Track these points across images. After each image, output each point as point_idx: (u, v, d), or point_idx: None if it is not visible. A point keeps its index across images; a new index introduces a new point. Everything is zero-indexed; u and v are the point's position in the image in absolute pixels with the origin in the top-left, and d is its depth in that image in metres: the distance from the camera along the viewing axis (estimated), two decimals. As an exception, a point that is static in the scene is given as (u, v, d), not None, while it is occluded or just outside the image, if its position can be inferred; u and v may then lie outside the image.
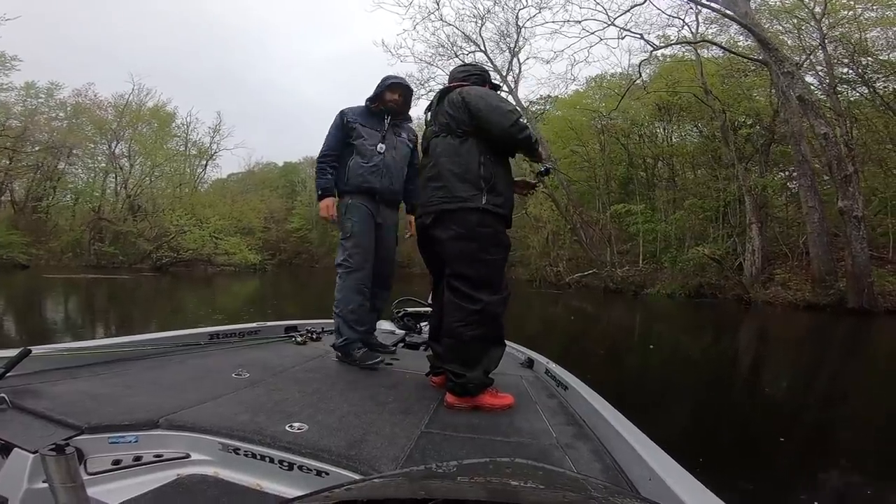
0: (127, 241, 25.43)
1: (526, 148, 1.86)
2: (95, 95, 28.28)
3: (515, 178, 2.01)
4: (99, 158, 28.61)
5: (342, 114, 2.44)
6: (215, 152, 33.82)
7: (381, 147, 2.40)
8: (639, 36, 15.12)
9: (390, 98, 2.45)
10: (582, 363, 4.82)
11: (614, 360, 6.15)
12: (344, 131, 2.41)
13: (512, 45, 20.53)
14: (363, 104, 2.48)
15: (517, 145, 1.85)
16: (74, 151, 27.01)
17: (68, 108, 27.22)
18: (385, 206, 2.48)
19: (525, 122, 1.82)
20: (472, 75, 2.03)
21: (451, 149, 1.83)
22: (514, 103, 2.00)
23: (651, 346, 7.85)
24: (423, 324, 3.48)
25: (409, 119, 2.62)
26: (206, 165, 33.87)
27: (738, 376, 5.60)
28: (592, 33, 16.20)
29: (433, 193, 1.83)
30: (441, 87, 2.21)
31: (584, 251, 20.36)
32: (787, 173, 18.22)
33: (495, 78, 20.81)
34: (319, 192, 2.40)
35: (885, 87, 14.61)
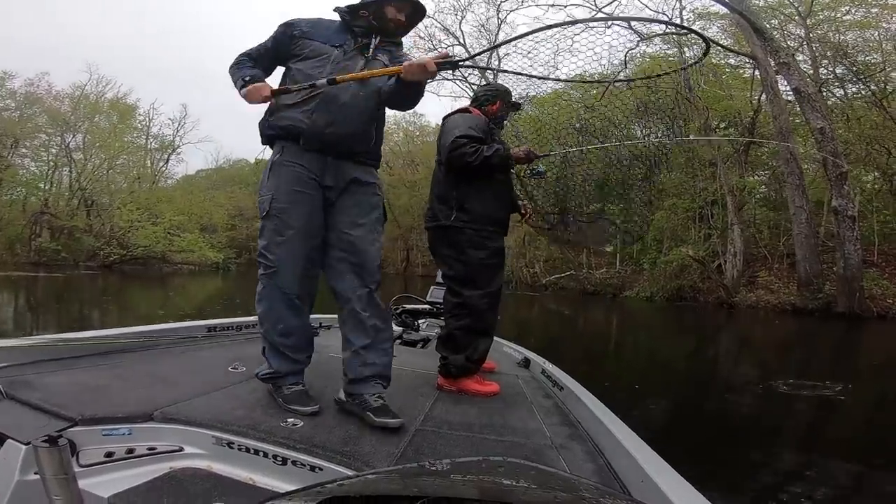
0: (72, 237, 23.86)
1: (478, 172, 1.96)
2: (50, 85, 26.24)
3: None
4: (53, 151, 26.64)
5: (289, 25, 1.61)
6: (178, 146, 31.84)
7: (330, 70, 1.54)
8: (626, 24, 14.54)
9: (392, 17, 1.61)
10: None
11: (593, 367, 5.55)
12: (283, 47, 1.60)
13: (492, 39, 19.83)
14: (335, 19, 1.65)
15: (464, 171, 1.96)
16: (23, 142, 25.02)
17: (19, 97, 25.06)
18: (339, 161, 1.56)
19: (472, 149, 1.89)
20: (481, 96, 2.20)
21: (436, 173, 2.12)
22: (472, 128, 1.92)
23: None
24: (420, 321, 3.45)
25: (400, 45, 1.74)
26: (167, 160, 31.88)
27: (734, 389, 4.95)
28: (577, 22, 15.52)
29: (427, 213, 2.13)
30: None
31: (561, 252, 19.85)
32: (759, 176, 18.16)
33: (473, 72, 20.02)
34: (241, 83, 1.54)
35: (863, 89, 14.57)
